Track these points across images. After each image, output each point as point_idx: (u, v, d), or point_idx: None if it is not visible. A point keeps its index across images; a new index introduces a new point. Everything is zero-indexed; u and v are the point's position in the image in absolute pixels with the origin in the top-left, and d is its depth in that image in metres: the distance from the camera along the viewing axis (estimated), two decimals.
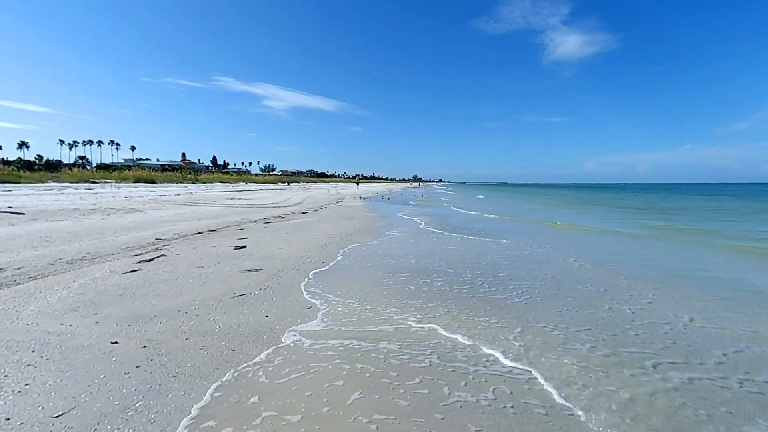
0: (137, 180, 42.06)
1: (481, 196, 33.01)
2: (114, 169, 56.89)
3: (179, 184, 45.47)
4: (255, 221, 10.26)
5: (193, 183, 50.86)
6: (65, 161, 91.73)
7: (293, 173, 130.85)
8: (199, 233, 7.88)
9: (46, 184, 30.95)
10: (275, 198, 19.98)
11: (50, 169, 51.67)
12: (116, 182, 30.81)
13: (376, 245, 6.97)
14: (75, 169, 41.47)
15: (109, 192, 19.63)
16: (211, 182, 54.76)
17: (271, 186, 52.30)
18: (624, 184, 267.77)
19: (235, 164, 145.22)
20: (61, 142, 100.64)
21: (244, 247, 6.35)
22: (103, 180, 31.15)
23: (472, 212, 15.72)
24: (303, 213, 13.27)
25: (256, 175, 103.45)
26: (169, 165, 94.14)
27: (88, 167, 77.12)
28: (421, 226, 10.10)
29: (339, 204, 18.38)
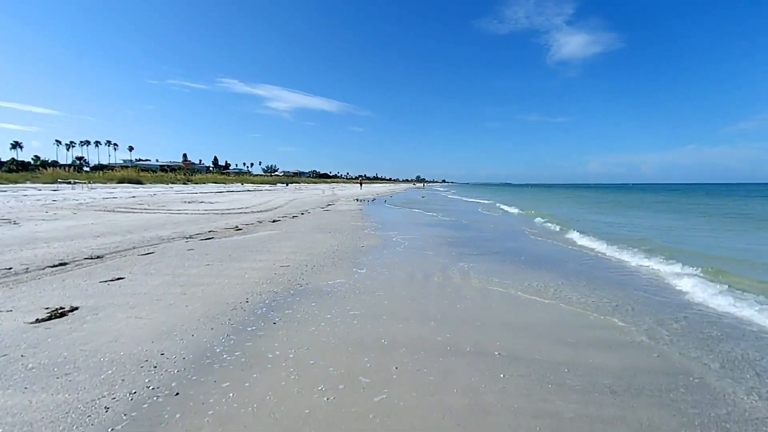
0: (122, 180, 39.35)
1: (492, 203, 29.49)
2: (104, 170, 54.32)
3: (170, 185, 42.70)
4: (187, 237, 7.02)
5: (184, 184, 48.12)
6: (65, 162, 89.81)
7: (295, 174, 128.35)
8: (60, 266, 4.65)
9: (18, 185, 28.09)
10: (254, 201, 16.75)
11: (44, 169, 49.41)
12: (89, 182, 27.84)
13: (340, 293, 3.65)
14: (50, 169, 38.74)
15: (57, 194, 16.55)
16: (204, 183, 52.01)
17: (267, 187, 49.28)
18: (632, 184, 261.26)
19: (236, 165, 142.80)
20: (58, 142, 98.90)
21: (74, 310, 3.08)
22: (74, 180, 28.19)
23: (500, 227, 12.36)
24: (273, 221, 10.03)
25: (257, 175, 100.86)
26: (168, 166, 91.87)
27: (86, 168, 75.03)
28: (427, 250, 6.80)
29: (327, 208, 15.12)
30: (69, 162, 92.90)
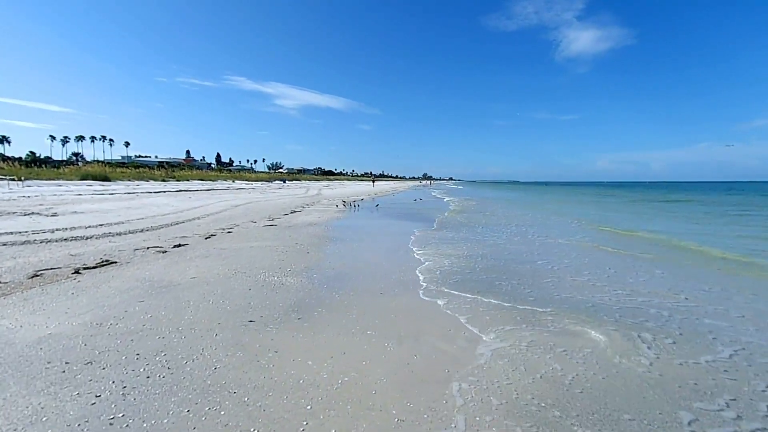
0: (85, 176, 34.37)
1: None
2: (104, 165, 50.03)
3: (137, 182, 37.63)
4: None
5: (163, 180, 43.03)
6: (59, 158, 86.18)
7: (299, 171, 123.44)
8: None
9: None
10: (173, 207, 10.89)
11: (38, 166, 45.37)
12: (21, 179, 22.48)
13: None
14: None
15: None
16: (187, 179, 46.85)
17: (258, 184, 43.88)
18: (649, 182, 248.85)
19: (240, 162, 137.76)
20: (52, 137, 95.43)
21: None
22: (8, 177, 22.91)
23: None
24: (79, 271, 4.14)
25: (259, 173, 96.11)
26: (167, 162, 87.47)
27: (80, 163, 71.05)
28: None
29: (274, 222, 9.16)
30: (65, 158, 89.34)
